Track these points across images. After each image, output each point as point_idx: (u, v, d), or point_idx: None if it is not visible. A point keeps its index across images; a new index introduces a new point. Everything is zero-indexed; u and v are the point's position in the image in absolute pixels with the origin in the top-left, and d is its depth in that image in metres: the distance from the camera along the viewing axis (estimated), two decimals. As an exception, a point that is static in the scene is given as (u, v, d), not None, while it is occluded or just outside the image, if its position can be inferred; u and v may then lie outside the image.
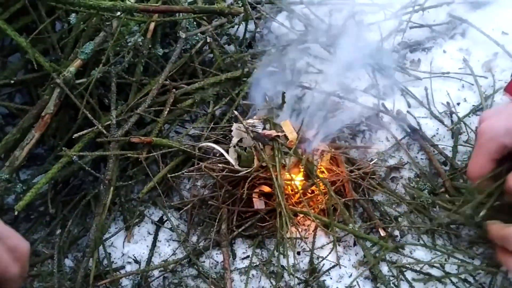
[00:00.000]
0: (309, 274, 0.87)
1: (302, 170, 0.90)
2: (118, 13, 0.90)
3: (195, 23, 1.05)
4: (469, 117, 1.03)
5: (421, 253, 0.88)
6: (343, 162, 0.96)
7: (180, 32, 0.99)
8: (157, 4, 0.94)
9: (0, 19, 0.92)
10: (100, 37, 0.96)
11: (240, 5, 1.06)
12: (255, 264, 0.89)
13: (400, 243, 0.89)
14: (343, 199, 0.92)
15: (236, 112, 0.84)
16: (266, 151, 0.86)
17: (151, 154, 0.93)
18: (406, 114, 1.04)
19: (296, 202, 0.91)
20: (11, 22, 0.95)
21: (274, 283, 0.86)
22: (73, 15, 0.93)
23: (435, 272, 0.85)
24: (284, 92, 0.91)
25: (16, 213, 0.84)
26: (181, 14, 0.99)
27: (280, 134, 0.86)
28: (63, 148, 0.89)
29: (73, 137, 0.90)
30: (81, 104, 0.91)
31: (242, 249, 0.91)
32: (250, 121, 0.88)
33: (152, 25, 1.00)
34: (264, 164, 0.86)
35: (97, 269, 0.90)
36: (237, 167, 0.88)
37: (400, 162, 0.99)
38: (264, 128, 0.87)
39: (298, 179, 0.91)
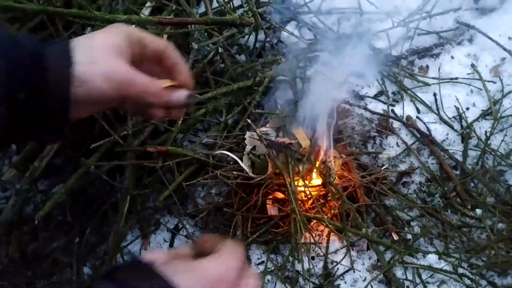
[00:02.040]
0: (324, 279, 0.88)
1: (316, 176, 0.92)
2: (133, 26, 0.92)
3: (206, 34, 1.07)
4: (479, 121, 1.04)
5: (434, 256, 0.89)
6: (354, 168, 0.98)
7: (193, 43, 1.01)
8: (170, 17, 0.97)
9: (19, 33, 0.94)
10: (115, 50, 0.98)
11: (250, 16, 1.08)
12: (270, 269, 0.90)
13: (414, 248, 0.90)
14: (356, 204, 0.93)
15: (249, 120, 0.86)
16: (279, 158, 0.88)
17: (166, 163, 0.95)
18: (415, 119, 1.05)
19: (309, 208, 0.92)
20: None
21: (289, 287, 0.88)
22: (89, 28, 0.96)
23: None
24: (297, 101, 0.93)
25: (36, 222, 0.86)
26: (193, 25, 1.01)
27: (293, 141, 0.88)
28: (81, 158, 0.91)
29: (91, 147, 0.92)
30: (97, 115, 0.94)
31: (257, 254, 0.93)
32: (263, 129, 0.90)
33: (165, 37, 1.02)
34: (277, 171, 0.88)
35: (115, 277, 0.92)
36: (251, 174, 0.89)
37: (411, 167, 1.00)
38: (277, 136, 0.88)
39: (312, 185, 0.92)
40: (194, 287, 0.49)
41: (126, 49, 0.68)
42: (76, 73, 0.61)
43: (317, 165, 0.91)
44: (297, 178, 0.88)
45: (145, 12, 0.98)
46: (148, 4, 0.99)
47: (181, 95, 0.65)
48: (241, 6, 1.18)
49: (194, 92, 0.67)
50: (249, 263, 0.92)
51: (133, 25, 0.90)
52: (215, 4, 1.15)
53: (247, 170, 0.89)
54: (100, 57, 0.64)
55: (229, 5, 1.12)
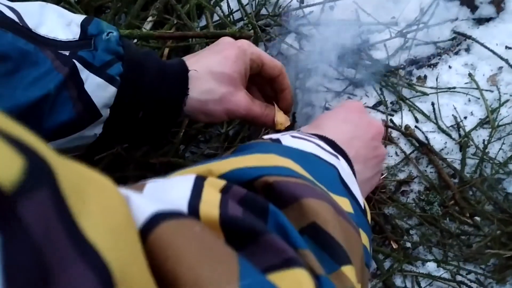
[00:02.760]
0: None
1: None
2: (135, 40, 0.95)
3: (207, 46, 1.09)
4: (476, 130, 1.05)
5: (433, 264, 0.90)
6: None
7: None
8: (171, 31, 0.99)
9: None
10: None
11: (250, 28, 1.11)
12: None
13: (412, 257, 0.91)
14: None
15: (248, 132, 0.88)
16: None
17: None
18: (414, 129, 1.07)
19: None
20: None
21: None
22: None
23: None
24: (295, 112, 0.95)
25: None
26: (194, 39, 1.03)
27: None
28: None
29: (94, 159, 0.94)
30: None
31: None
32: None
33: (166, 50, 1.05)
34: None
35: None
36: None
37: (409, 176, 1.01)
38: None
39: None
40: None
41: (246, 73, 0.73)
42: (204, 107, 0.68)
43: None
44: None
45: (147, 26, 1.00)
46: (150, 18, 1.02)
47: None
48: (241, 19, 1.20)
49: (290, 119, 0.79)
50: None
51: (135, 40, 0.92)
52: (216, 17, 1.18)
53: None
54: (226, 92, 0.70)
55: (229, 18, 1.14)
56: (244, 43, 0.75)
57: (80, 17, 0.63)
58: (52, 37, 0.59)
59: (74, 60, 0.58)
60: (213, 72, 0.70)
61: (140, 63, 0.65)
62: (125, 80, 0.62)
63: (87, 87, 0.59)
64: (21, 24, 0.56)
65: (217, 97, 0.70)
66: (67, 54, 0.58)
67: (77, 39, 0.60)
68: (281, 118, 0.83)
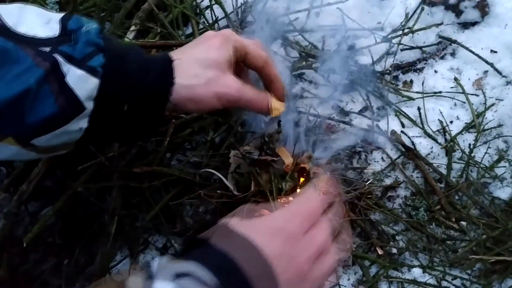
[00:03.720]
0: (310, 295, 0.89)
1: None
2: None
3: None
4: (462, 134, 1.05)
5: (418, 270, 0.89)
6: (339, 184, 0.98)
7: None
8: (154, 40, 0.99)
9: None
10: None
11: (235, 36, 1.10)
12: (257, 287, 0.91)
13: (398, 262, 0.91)
14: (341, 220, 0.94)
15: (231, 140, 0.87)
16: (262, 176, 0.89)
17: (153, 183, 0.97)
18: (400, 134, 1.07)
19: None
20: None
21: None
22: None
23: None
24: (280, 121, 0.94)
25: (24, 245, 0.87)
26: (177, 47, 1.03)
27: (275, 159, 0.89)
28: (68, 180, 0.93)
29: (78, 169, 0.93)
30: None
31: (244, 272, 0.94)
32: (246, 148, 0.91)
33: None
34: (261, 189, 0.89)
35: (104, 297, 0.93)
36: (235, 192, 0.90)
37: (396, 181, 1.01)
38: (260, 154, 0.89)
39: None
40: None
41: (231, 60, 0.73)
42: (191, 93, 0.68)
43: (301, 182, 0.92)
44: (281, 195, 0.89)
45: (130, 35, 1.00)
46: (133, 28, 1.02)
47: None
48: (227, 26, 1.20)
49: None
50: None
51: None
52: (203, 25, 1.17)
53: (231, 188, 0.91)
54: (213, 76, 0.70)
55: (214, 26, 1.14)
56: (227, 31, 0.75)
57: (59, 14, 0.63)
58: (32, 35, 0.59)
59: (55, 55, 0.58)
60: (198, 58, 0.70)
61: (122, 54, 0.65)
62: (108, 71, 0.62)
63: (69, 79, 0.59)
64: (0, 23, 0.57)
65: (203, 81, 0.69)
66: (48, 50, 0.58)
67: (57, 35, 0.60)
68: (276, 104, 0.83)
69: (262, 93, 0.79)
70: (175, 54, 0.70)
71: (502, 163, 1.01)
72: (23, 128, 0.59)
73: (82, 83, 0.60)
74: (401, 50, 1.17)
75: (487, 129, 1.05)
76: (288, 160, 0.91)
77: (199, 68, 0.69)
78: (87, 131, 0.66)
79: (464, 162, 1.01)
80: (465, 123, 1.07)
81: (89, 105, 0.62)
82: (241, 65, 0.79)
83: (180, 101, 0.69)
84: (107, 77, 0.62)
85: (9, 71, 0.55)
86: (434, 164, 1.02)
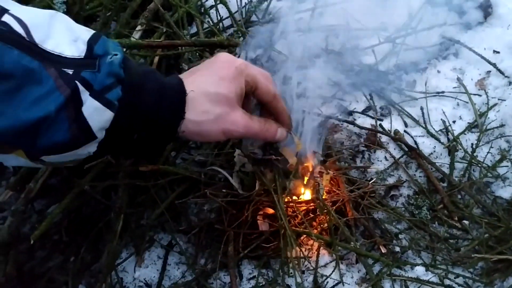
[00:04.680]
0: (314, 292, 0.90)
1: (305, 192, 0.94)
2: (124, 49, 0.95)
3: (197, 54, 1.10)
4: (465, 134, 1.06)
5: (421, 268, 0.90)
6: (343, 183, 1.00)
7: (183, 64, 1.04)
8: (160, 40, 1.00)
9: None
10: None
11: (240, 35, 1.11)
12: (261, 284, 0.92)
13: (401, 261, 0.92)
14: (345, 219, 0.95)
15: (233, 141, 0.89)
16: (267, 175, 0.90)
17: (159, 182, 0.98)
18: (403, 133, 1.07)
19: (299, 222, 0.94)
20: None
21: (280, 302, 0.89)
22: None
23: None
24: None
25: (32, 242, 0.88)
26: (183, 47, 1.04)
27: (279, 158, 0.90)
28: (75, 178, 0.93)
29: (84, 168, 0.94)
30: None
31: (248, 269, 0.95)
32: (250, 147, 0.92)
33: (156, 58, 1.05)
34: (266, 188, 0.90)
35: (110, 294, 0.94)
36: (240, 191, 0.91)
37: (399, 181, 1.02)
38: (264, 154, 0.90)
39: (301, 200, 0.95)
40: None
41: (242, 93, 0.74)
42: (199, 129, 0.69)
43: (305, 181, 0.93)
44: (285, 194, 0.90)
45: (136, 35, 1.01)
46: (139, 27, 1.03)
47: (282, 135, 0.82)
48: (231, 26, 1.21)
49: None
50: (240, 279, 0.94)
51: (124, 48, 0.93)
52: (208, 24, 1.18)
53: (237, 187, 0.92)
54: (222, 112, 0.71)
55: (219, 25, 1.15)
56: (241, 63, 0.74)
57: (88, 33, 0.62)
58: (58, 52, 0.58)
59: (77, 81, 0.58)
60: (208, 93, 0.70)
61: (139, 84, 0.65)
62: (124, 104, 0.62)
63: (85, 109, 0.59)
64: (27, 39, 0.56)
65: (212, 117, 0.70)
66: (71, 73, 0.58)
67: (82, 57, 0.60)
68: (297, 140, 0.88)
69: (268, 123, 0.79)
70: (187, 83, 0.70)
71: (505, 163, 1.02)
72: (33, 149, 0.59)
73: (97, 115, 0.60)
74: (404, 50, 1.18)
75: (490, 129, 1.06)
76: (292, 159, 0.92)
77: (209, 103, 0.70)
78: (95, 153, 0.66)
79: (467, 162, 1.02)
80: (468, 123, 1.08)
81: (101, 135, 0.63)
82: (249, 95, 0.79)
83: (187, 134, 0.70)
84: (122, 110, 0.62)
85: (31, 92, 0.55)
86: (437, 164, 1.03)
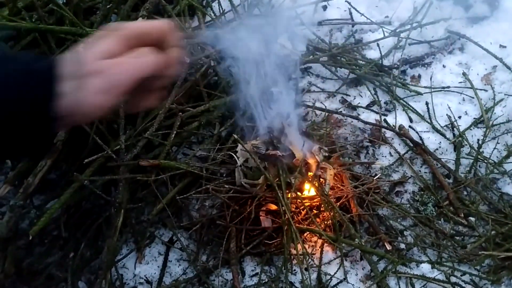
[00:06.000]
0: (318, 290, 0.88)
1: (309, 187, 0.92)
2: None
3: (199, 47, 1.08)
4: (471, 129, 1.05)
5: (427, 265, 0.89)
6: (347, 178, 0.98)
7: (184, 57, 1.02)
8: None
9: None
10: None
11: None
12: (264, 281, 0.90)
13: (407, 258, 0.90)
14: (349, 215, 0.93)
15: (235, 136, 0.87)
16: (271, 170, 0.88)
17: (159, 177, 0.96)
18: (408, 129, 1.06)
19: (303, 219, 0.93)
20: (22, 54, 0.99)
21: (283, 299, 0.88)
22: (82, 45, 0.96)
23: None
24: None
25: (30, 237, 0.86)
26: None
27: (284, 154, 0.89)
28: (75, 173, 0.92)
29: (84, 162, 0.93)
30: (90, 130, 0.94)
31: (251, 266, 0.93)
32: (254, 142, 0.90)
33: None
34: (269, 183, 0.88)
35: (110, 291, 0.93)
36: (246, 185, 0.90)
37: (404, 177, 1.01)
38: (267, 149, 0.89)
39: (305, 196, 0.93)
40: None
41: (120, 52, 0.67)
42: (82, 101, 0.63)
43: (309, 177, 0.92)
44: (290, 190, 0.89)
45: (137, 27, 0.99)
46: (140, 20, 1.01)
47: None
48: (234, 20, 1.19)
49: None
50: (243, 275, 0.92)
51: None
52: (209, 17, 1.16)
53: (241, 182, 0.90)
54: None
55: (221, 19, 1.13)
56: (114, 28, 0.66)
57: None
58: None
59: None
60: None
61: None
62: None
63: None
64: None
65: None
66: None
67: None
68: None
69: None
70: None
71: (511, 159, 1.00)
72: None
73: None
74: (409, 44, 1.16)
75: (496, 125, 1.04)
76: (298, 154, 0.91)
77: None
78: None
79: (473, 158, 1.01)
80: (474, 118, 1.06)
81: None
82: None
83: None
84: None
85: None
86: (442, 159, 1.01)
